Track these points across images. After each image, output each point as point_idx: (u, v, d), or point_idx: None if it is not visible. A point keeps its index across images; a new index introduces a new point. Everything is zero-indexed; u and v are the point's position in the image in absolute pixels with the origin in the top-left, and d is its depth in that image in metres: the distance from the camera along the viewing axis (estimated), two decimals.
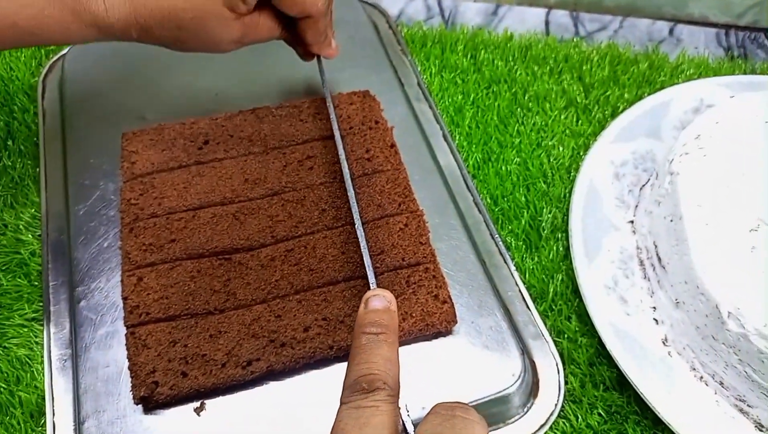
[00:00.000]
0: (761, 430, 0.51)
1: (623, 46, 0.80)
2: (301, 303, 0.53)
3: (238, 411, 0.50)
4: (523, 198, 0.65)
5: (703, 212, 0.53)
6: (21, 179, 0.65)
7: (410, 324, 0.52)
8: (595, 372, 0.56)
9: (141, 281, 0.54)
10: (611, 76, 0.76)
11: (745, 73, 0.78)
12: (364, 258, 0.51)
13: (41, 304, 0.57)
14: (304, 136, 0.63)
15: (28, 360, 0.55)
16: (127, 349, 0.51)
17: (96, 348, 0.53)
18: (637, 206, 0.63)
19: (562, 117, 0.72)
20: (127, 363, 0.51)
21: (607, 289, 0.57)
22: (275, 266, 0.55)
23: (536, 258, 0.62)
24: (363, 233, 0.52)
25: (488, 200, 0.65)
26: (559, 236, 0.63)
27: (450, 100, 0.73)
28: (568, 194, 0.66)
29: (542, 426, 0.52)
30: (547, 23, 0.85)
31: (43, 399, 0.52)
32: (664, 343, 0.55)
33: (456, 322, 0.53)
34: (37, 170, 0.65)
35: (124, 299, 0.53)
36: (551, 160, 0.69)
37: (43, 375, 0.53)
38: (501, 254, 0.60)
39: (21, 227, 0.62)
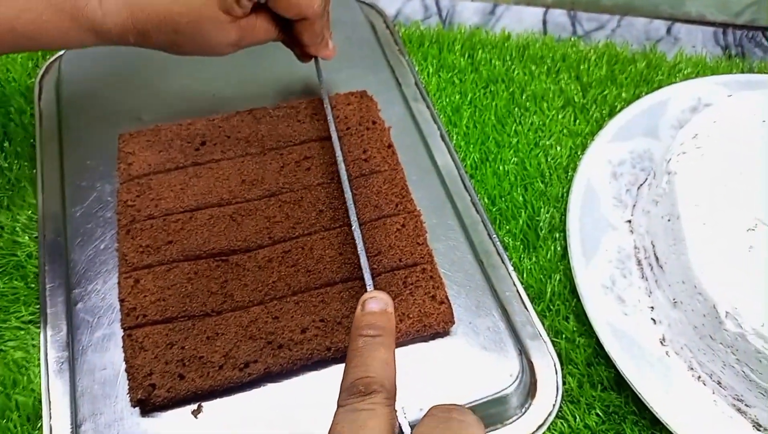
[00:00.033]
0: (759, 429, 0.51)
1: (621, 46, 0.80)
2: (299, 305, 0.53)
3: (236, 413, 0.50)
4: (520, 198, 0.65)
5: (701, 212, 0.53)
6: (18, 181, 0.65)
7: (408, 325, 0.52)
8: (593, 372, 0.56)
9: (138, 283, 0.53)
10: (609, 75, 0.76)
11: (742, 71, 0.78)
12: (361, 260, 0.50)
13: (38, 306, 0.57)
14: (301, 137, 0.63)
15: (24, 362, 0.55)
16: (124, 351, 0.51)
17: (93, 350, 0.53)
18: (634, 205, 0.63)
19: (560, 117, 0.72)
20: (124, 366, 0.50)
21: (604, 289, 0.57)
22: (272, 267, 0.55)
23: (534, 258, 0.62)
24: (360, 235, 0.52)
25: (486, 200, 0.65)
26: (557, 235, 0.63)
27: (447, 99, 0.73)
28: (565, 194, 0.66)
29: (540, 426, 0.52)
30: (544, 22, 0.85)
31: (40, 402, 0.52)
32: (661, 343, 0.55)
33: (453, 323, 0.53)
34: (34, 171, 0.65)
35: (121, 301, 0.53)
36: (549, 159, 0.69)
37: (40, 378, 0.53)
38: (499, 254, 0.60)
39: (18, 229, 0.62)
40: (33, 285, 0.59)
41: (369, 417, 0.37)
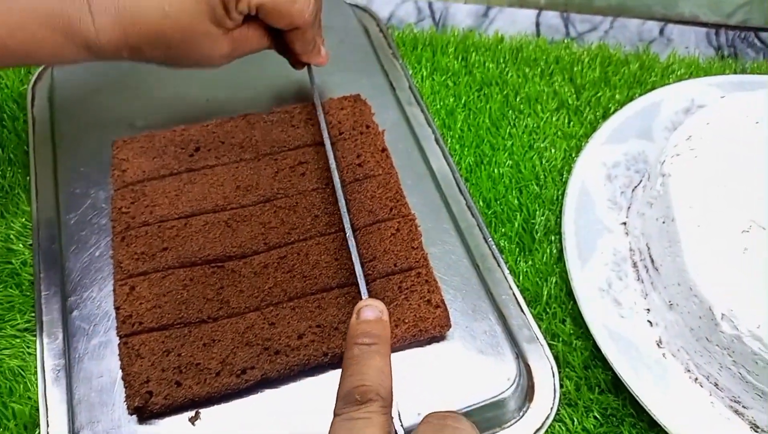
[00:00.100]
0: (756, 431, 0.51)
1: (614, 47, 0.80)
2: (295, 310, 0.53)
3: (233, 420, 0.50)
4: (515, 201, 0.65)
5: (696, 214, 0.53)
6: (11, 188, 0.64)
7: (403, 330, 0.52)
8: (590, 374, 0.56)
9: (133, 290, 0.53)
10: (602, 77, 0.76)
11: (735, 72, 0.79)
12: (356, 268, 0.51)
13: (33, 314, 0.57)
14: (295, 142, 0.63)
15: (20, 370, 0.55)
16: (121, 359, 0.51)
17: (89, 358, 0.52)
18: (629, 207, 0.63)
19: (554, 119, 0.72)
20: (120, 373, 0.50)
21: (600, 291, 0.57)
22: (268, 273, 0.54)
23: (530, 261, 0.62)
24: (354, 243, 0.52)
25: (481, 203, 0.65)
26: (553, 238, 0.63)
27: (441, 103, 0.73)
28: (560, 196, 0.66)
29: (538, 430, 0.52)
30: (537, 24, 0.86)
31: (37, 410, 0.52)
32: (658, 345, 0.55)
33: (450, 327, 0.53)
34: (28, 178, 0.64)
35: (117, 308, 0.53)
36: (543, 162, 0.69)
37: (37, 386, 0.53)
38: (494, 257, 0.60)
39: (12, 236, 0.61)
40: (28, 293, 0.58)
41: (365, 426, 0.37)
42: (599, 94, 0.74)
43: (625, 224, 0.62)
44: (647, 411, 0.52)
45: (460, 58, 0.78)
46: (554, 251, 0.62)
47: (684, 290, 0.52)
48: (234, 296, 0.53)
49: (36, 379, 0.53)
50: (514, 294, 0.58)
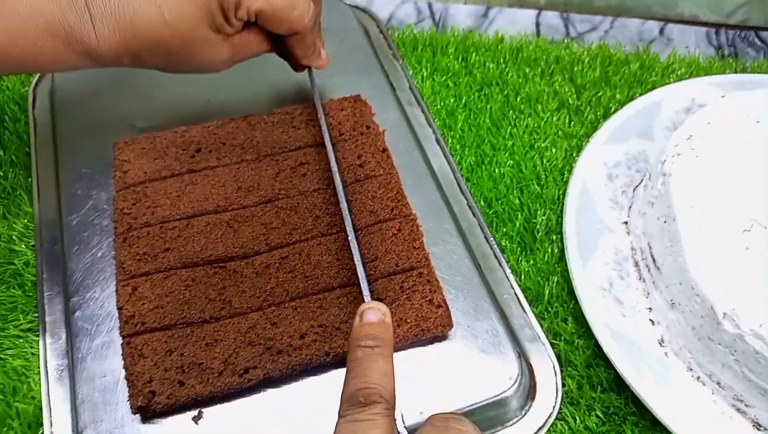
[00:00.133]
0: (759, 429, 0.51)
1: (614, 47, 0.80)
2: (297, 310, 0.53)
3: (236, 419, 0.50)
4: (517, 200, 0.66)
5: (697, 213, 0.53)
6: (13, 189, 0.65)
7: (406, 330, 0.52)
8: (593, 373, 0.56)
9: (136, 290, 0.53)
10: (602, 77, 0.76)
11: (735, 72, 0.79)
12: (358, 270, 0.51)
13: (36, 315, 0.57)
14: (296, 142, 0.63)
15: (24, 370, 0.55)
16: (124, 359, 0.51)
17: (92, 358, 0.53)
18: (630, 207, 0.63)
19: (555, 119, 0.72)
20: (123, 373, 0.50)
21: (602, 291, 0.58)
22: (270, 273, 0.55)
23: (531, 260, 0.62)
24: (356, 244, 0.53)
25: (482, 203, 0.65)
26: (554, 238, 0.63)
27: (442, 103, 0.73)
28: (561, 196, 0.66)
29: (540, 428, 0.52)
30: (537, 25, 0.86)
31: (41, 409, 0.52)
32: (660, 344, 0.55)
33: (452, 326, 0.53)
34: (30, 179, 0.65)
35: (119, 309, 0.53)
36: (544, 162, 0.69)
37: (40, 386, 0.53)
38: (496, 257, 0.60)
39: (14, 237, 0.61)
40: (31, 293, 0.59)
41: (369, 428, 0.37)
42: (600, 94, 0.74)
43: (626, 223, 0.62)
44: (649, 410, 0.52)
45: (460, 59, 0.78)
46: (555, 250, 0.62)
47: (686, 289, 0.52)
48: (236, 297, 0.53)
49: (39, 379, 0.53)
50: (515, 294, 0.58)
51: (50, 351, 0.54)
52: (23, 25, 0.50)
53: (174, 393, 0.49)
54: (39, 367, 0.54)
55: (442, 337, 0.54)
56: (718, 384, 0.52)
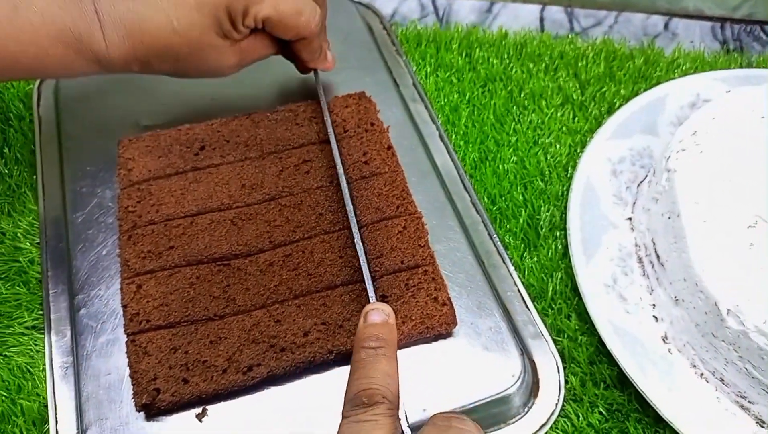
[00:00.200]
0: (762, 426, 0.51)
1: (618, 42, 0.80)
2: (301, 308, 0.53)
3: (240, 417, 0.50)
4: (520, 197, 0.65)
5: (701, 209, 0.53)
6: (18, 187, 0.65)
7: (410, 327, 0.52)
8: (596, 370, 0.56)
9: (140, 288, 0.54)
10: (607, 72, 0.76)
11: (741, 66, 0.78)
12: (363, 268, 0.51)
13: (41, 312, 0.57)
14: (300, 140, 0.63)
15: (29, 368, 0.55)
16: (128, 357, 0.51)
17: (97, 355, 0.53)
18: (635, 203, 0.63)
19: (559, 114, 0.72)
20: (128, 371, 0.51)
21: (606, 287, 0.57)
22: (274, 271, 0.55)
23: (535, 257, 0.62)
24: (361, 243, 0.53)
25: (486, 199, 0.65)
26: (558, 234, 0.63)
27: (446, 99, 0.73)
28: (565, 192, 0.66)
29: (543, 425, 0.52)
30: (541, 20, 0.85)
31: (46, 407, 0.52)
32: (664, 340, 0.55)
33: (456, 324, 0.53)
34: (34, 177, 0.65)
35: (124, 306, 0.53)
36: (548, 158, 0.69)
37: (45, 383, 0.53)
38: (499, 254, 0.60)
39: (19, 235, 0.62)
40: (36, 291, 0.59)
41: (372, 428, 0.38)
42: (604, 90, 0.74)
43: (630, 219, 0.62)
44: (653, 407, 0.52)
45: (464, 54, 0.78)
46: (559, 246, 0.62)
47: (690, 285, 0.52)
48: (240, 294, 0.54)
49: (44, 376, 0.54)
50: (519, 291, 0.58)
51: (55, 349, 0.54)
52: (34, 33, 0.50)
53: (178, 390, 0.49)
54: (44, 364, 0.54)
55: (445, 334, 0.54)
56: (722, 380, 0.52)
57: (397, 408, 0.40)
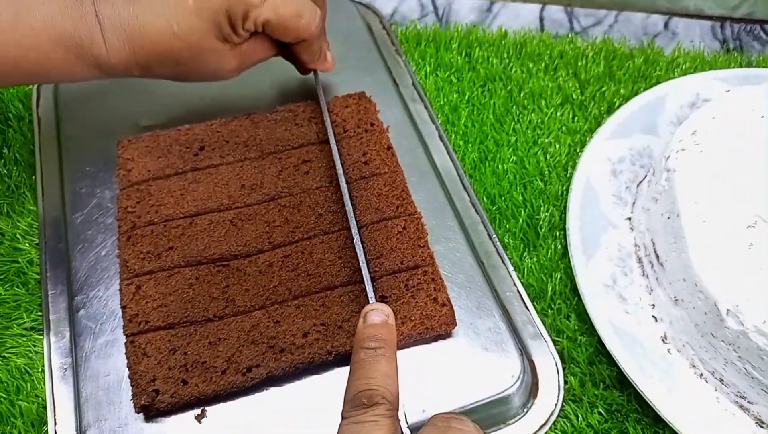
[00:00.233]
0: (762, 426, 0.51)
1: (618, 41, 0.80)
2: (300, 309, 0.53)
3: (239, 418, 0.50)
4: (520, 197, 0.65)
5: (701, 209, 0.53)
6: (17, 187, 0.65)
7: (410, 328, 0.52)
8: (595, 370, 0.56)
9: (139, 289, 0.54)
10: (606, 71, 0.76)
11: (740, 66, 0.78)
12: (362, 269, 0.51)
13: (40, 313, 0.57)
14: (299, 140, 0.63)
15: (27, 369, 0.55)
16: (127, 358, 0.51)
17: (96, 356, 0.53)
18: (634, 202, 0.63)
19: (558, 114, 0.72)
20: (127, 372, 0.51)
21: (605, 287, 0.57)
22: (273, 272, 0.55)
23: (534, 257, 0.62)
24: (360, 244, 0.53)
25: (485, 199, 0.65)
26: (557, 234, 0.63)
27: (445, 99, 0.73)
28: (565, 192, 0.66)
29: (542, 426, 0.52)
30: (541, 19, 0.85)
31: (44, 408, 0.52)
32: (663, 341, 0.55)
33: (455, 325, 0.53)
34: (34, 177, 0.65)
35: (123, 307, 0.53)
36: (548, 158, 0.69)
37: (44, 385, 0.53)
38: (499, 254, 0.60)
39: (18, 235, 0.62)
40: (35, 292, 0.59)
41: (372, 429, 0.38)
42: (604, 89, 0.74)
43: (630, 219, 0.62)
44: (652, 407, 0.52)
45: (463, 54, 0.78)
46: (559, 247, 0.62)
47: (689, 285, 0.52)
48: (239, 295, 0.54)
49: (43, 377, 0.54)
50: (518, 291, 0.58)
51: (54, 350, 0.54)
52: (35, 38, 0.50)
53: (177, 391, 0.49)
54: (43, 366, 0.54)
55: (445, 335, 0.54)
56: (721, 381, 0.52)
57: (397, 409, 0.40)
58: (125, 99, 0.68)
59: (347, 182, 0.59)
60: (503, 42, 0.79)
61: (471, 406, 0.51)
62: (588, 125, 0.71)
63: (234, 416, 0.50)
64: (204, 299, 0.53)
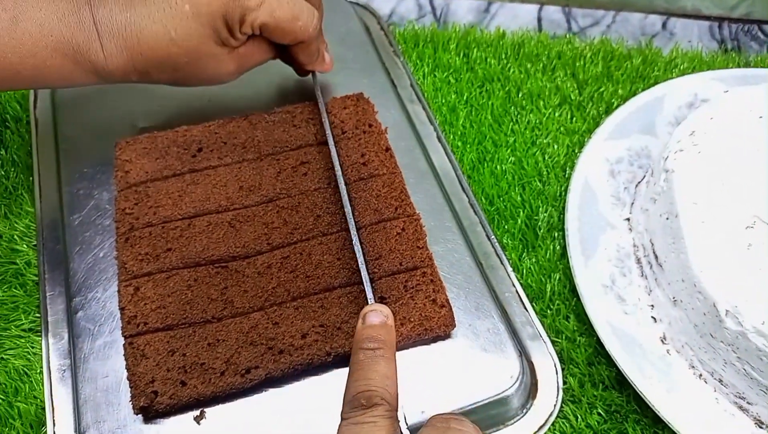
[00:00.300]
0: (761, 427, 0.51)
1: (616, 42, 0.80)
2: (299, 310, 0.53)
3: (238, 419, 0.50)
4: (518, 197, 0.65)
5: (699, 210, 0.53)
6: (15, 189, 0.65)
7: (409, 329, 0.52)
8: (594, 371, 0.56)
9: (138, 291, 0.54)
10: (605, 72, 0.76)
11: (738, 66, 0.78)
12: (361, 270, 0.51)
13: (38, 315, 0.57)
14: (297, 141, 0.63)
15: (26, 370, 0.55)
16: (126, 359, 0.51)
17: (95, 358, 0.53)
18: (633, 203, 0.63)
19: (557, 115, 0.72)
20: (126, 373, 0.51)
21: (604, 288, 0.57)
22: (272, 273, 0.55)
23: (533, 258, 0.62)
24: (359, 245, 0.53)
25: (484, 200, 0.65)
26: (556, 235, 0.63)
27: (443, 100, 0.73)
28: (563, 193, 0.66)
29: (541, 427, 0.52)
30: (539, 19, 0.85)
31: (43, 409, 0.52)
32: (662, 341, 0.55)
33: (454, 326, 0.53)
34: (31, 179, 0.65)
35: (122, 309, 0.53)
36: (546, 158, 0.69)
37: (42, 386, 0.53)
38: (497, 255, 0.60)
39: (16, 237, 0.62)
40: (32, 293, 0.59)
41: (371, 430, 0.38)
42: (602, 90, 0.74)
43: (628, 220, 0.62)
44: (651, 408, 0.52)
45: (461, 55, 0.78)
46: (557, 247, 0.62)
47: (688, 286, 0.52)
48: (238, 296, 0.53)
49: (41, 379, 0.54)
50: (517, 292, 0.58)
51: (53, 351, 0.54)
52: (33, 45, 0.51)
53: (176, 393, 0.49)
54: (41, 367, 0.54)
55: (443, 336, 0.54)
56: (720, 381, 0.52)
57: (396, 410, 0.40)
58: (123, 100, 0.68)
59: (346, 184, 0.59)
60: (501, 42, 0.79)
61: (470, 407, 0.51)
62: (586, 125, 0.71)
63: (233, 417, 0.50)
64: (202, 300, 0.53)
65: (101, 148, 0.63)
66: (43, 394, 0.53)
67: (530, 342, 0.55)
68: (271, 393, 0.51)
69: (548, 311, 0.59)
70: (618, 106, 0.70)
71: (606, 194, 0.63)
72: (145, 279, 0.54)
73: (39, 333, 0.56)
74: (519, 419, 0.52)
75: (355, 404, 0.39)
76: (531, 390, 0.53)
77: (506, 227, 0.64)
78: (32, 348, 0.56)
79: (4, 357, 0.56)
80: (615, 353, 0.54)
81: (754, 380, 0.49)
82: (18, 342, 0.56)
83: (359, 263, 0.52)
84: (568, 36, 0.81)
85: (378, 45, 0.75)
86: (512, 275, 0.59)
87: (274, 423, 0.50)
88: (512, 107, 0.73)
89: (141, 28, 0.52)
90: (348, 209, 0.55)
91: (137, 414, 0.50)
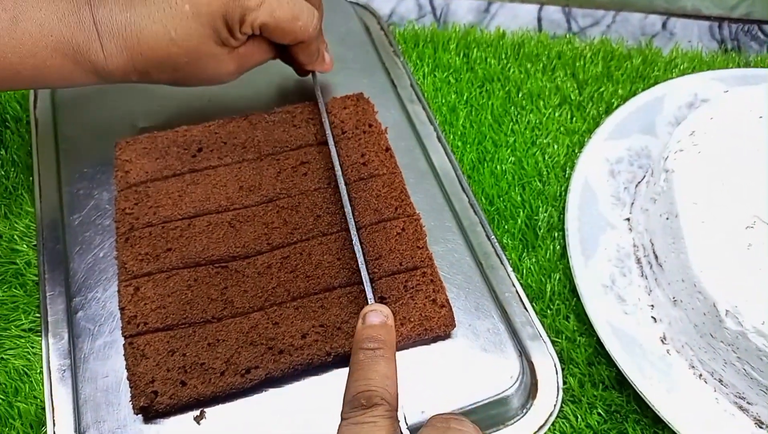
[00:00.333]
0: (761, 427, 0.51)
1: (616, 42, 0.80)
2: (298, 310, 0.53)
3: (238, 419, 0.50)
4: (518, 197, 0.65)
5: (699, 210, 0.53)
6: (15, 189, 0.65)
7: (409, 329, 0.52)
8: (594, 371, 0.56)
9: (138, 291, 0.54)
10: (605, 72, 0.76)
11: (738, 66, 0.78)
12: (361, 270, 0.51)
13: (38, 315, 0.57)
14: (297, 141, 0.63)
15: (25, 370, 0.55)
16: (126, 359, 0.51)
17: (95, 358, 0.53)
18: (633, 203, 0.63)
19: (557, 115, 0.72)
20: (126, 373, 0.51)
21: (604, 288, 0.57)
22: (272, 273, 0.55)
23: (533, 258, 0.62)
24: (359, 245, 0.53)
25: (484, 200, 0.65)
26: (556, 235, 0.63)
27: (443, 100, 0.73)
28: (563, 193, 0.66)
29: (541, 427, 0.52)
30: (539, 19, 0.85)
31: (43, 409, 0.52)
32: (662, 341, 0.55)
33: (454, 326, 0.53)
34: (31, 179, 0.65)
35: (122, 309, 0.53)
36: (546, 158, 0.69)
37: (42, 386, 0.53)
38: (497, 255, 0.60)
39: (16, 237, 0.62)
40: (32, 293, 0.59)
41: (371, 430, 0.38)
42: (602, 90, 0.74)
43: (628, 220, 0.62)
44: (651, 408, 0.52)
45: (461, 55, 0.78)
46: (557, 247, 0.62)
47: (688, 286, 0.52)
48: (238, 296, 0.53)
49: (41, 379, 0.54)
50: (517, 292, 0.58)
51: (53, 351, 0.54)
52: (33, 45, 0.51)
53: (176, 393, 0.49)
54: (41, 367, 0.54)
55: (443, 336, 0.54)
56: (720, 381, 0.52)
57: (396, 410, 0.40)
58: (123, 100, 0.68)
59: (346, 184, 0.59)
60: (501, 42, 0.79)
61: (470, 407, 0.51)
62: (586, 125, 0.71)
63: (233, 417, 0.50)
64: (202, 300, 0.53)
65: (101, 148, 0.63)
66: (43, 394, 0.53)
67: (530, 342, 0.55)
68: (271, 393, 0.51)
69: (548, 311, 0.59)
70: (618, 106, 0.70)
71: (606, 194, 0.63)
72: (145, 279, 0.54)
73: (39, 333, 0.56)
74: (519, 419, 0.52)
75: (355, 404, 0.39)
76: (531, 390, 0.53)
77: (506, 227, 0.64)
78: (32, 348, 0.56)
79: (4, 357, 0.56)
80: (615, 353, 0.54)
81: (754, 380, 0.49)
82: (18, 342, 0.56)
83: (359, 263, 0.52)
84: (568, 36, 0.81)
85: (378, 45, 0.75)
86: (512, 275, 0.59)
87: (274, 423, 0.50)
88: (512, 107, 0.73)
89: (141, 28, 0.52)
90: (348, 209, 0.55)
91: (137, 414, 0.50)
